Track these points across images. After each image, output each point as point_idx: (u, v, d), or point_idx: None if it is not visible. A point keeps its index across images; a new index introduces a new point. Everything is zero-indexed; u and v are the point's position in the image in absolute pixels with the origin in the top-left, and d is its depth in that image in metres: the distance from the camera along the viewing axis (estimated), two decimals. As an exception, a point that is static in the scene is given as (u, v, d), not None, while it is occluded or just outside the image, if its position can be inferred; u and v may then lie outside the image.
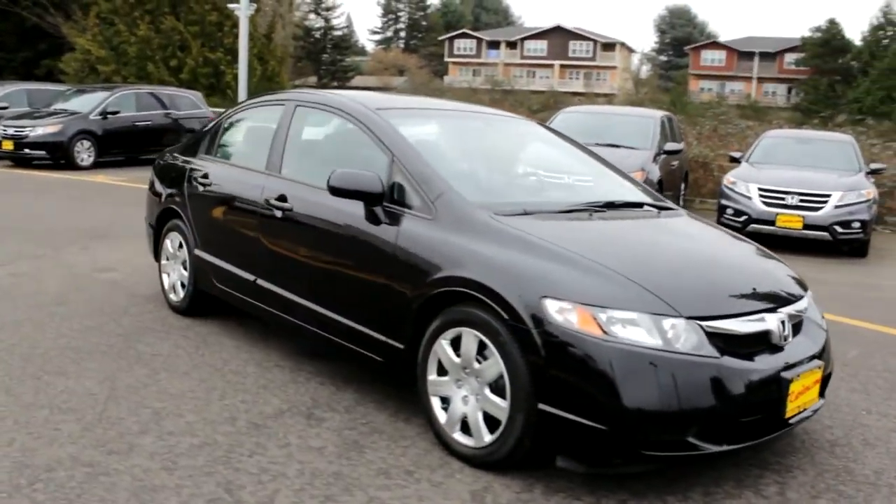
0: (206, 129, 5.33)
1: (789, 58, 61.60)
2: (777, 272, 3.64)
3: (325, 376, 4.13)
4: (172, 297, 5.21)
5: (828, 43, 55.12)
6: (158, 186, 5.47)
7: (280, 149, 4.34)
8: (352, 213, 3.69)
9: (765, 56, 64.01)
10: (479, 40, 70.96)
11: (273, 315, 4.29)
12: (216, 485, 2.91)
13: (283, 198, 4.12)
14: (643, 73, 73.74)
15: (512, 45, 69.75)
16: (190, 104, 16.53)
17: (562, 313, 2.90)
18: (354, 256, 3.68)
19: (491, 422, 3.14)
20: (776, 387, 3.06)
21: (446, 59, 71.31)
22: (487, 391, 3.13)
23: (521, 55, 69.49)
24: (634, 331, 2.88)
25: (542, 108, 42.50)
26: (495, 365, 3.07)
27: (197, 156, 5.11)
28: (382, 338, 3.54)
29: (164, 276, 5.33)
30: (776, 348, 3.15)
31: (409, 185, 3.55)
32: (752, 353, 3.06)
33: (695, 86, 65.02)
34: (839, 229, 9.52)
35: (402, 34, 79.17)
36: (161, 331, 4.78)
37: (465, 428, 3.24)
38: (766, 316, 3.19)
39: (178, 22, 22.46)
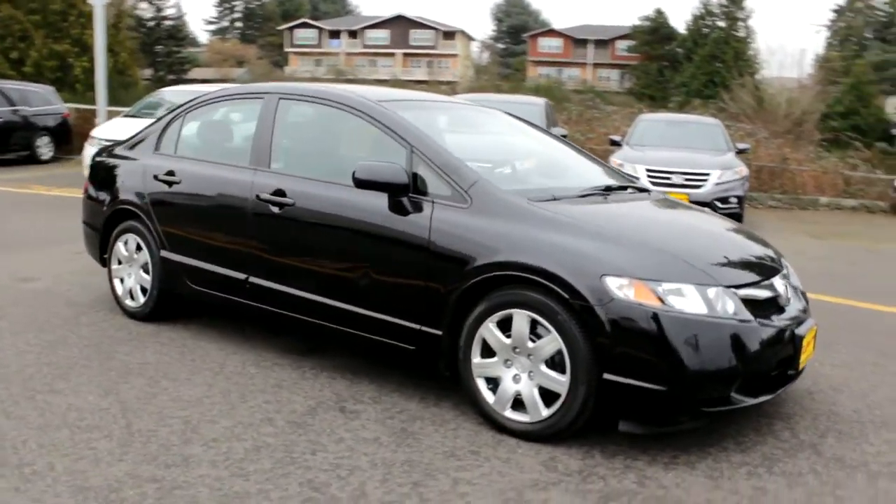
0: (152, 126, 5.05)
1: (621, 45, 65.20)
2: (763, 242, 3.99)
3: (330, 371, 4.08)
4: (129, 302, 4.91)
5: (656, 31, 58.89)
6: (101, 188, 5.13)
7: (266, 143, 4.21)
8: (372, 204, 3.67)
9: (599, 43, 67.40)
10: (320, 30, 69.95)
11: (268, 312, 4.17)
12: (299, 485, 2.85)
13: (279, 192, 4.01)
14: (483, 61, 75.51)
15: (353, 34, 69.29)
16: (42, 100, 15.31)
17: (621, 289, 3.08)
18: (379, 248, 3.66)
19: (546, 396, 3.25)
20: (793, 342, 3.39)
21: (287, 49, 69.75)
22: (544, 367, 3.24)
23: (363, 44, 69.20)
24: (685, 300, 3.10)
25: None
26: (553, 342, 3.19)
27: (153, 153, 4.82)
28: (416, 326, 3.56)
29: (117, 282, 5.01)
30: (781, 309, 3.47)
31: (435, 174, 3.58)
32: (770, 315, 3.36)
33: (533, 72, 67.48)
34: (719, 205, 10.32)
35: (239, 24, 76.56)
36: (130, 339, 4.51)
37: (516, 405, 3.34)
38: (774, 281, 3.52)
39: (15, 10, 20.59)
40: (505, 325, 3.33)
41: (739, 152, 11.57)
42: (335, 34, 69.32)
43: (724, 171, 10.51)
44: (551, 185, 3.93)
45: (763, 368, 3.27)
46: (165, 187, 4.62)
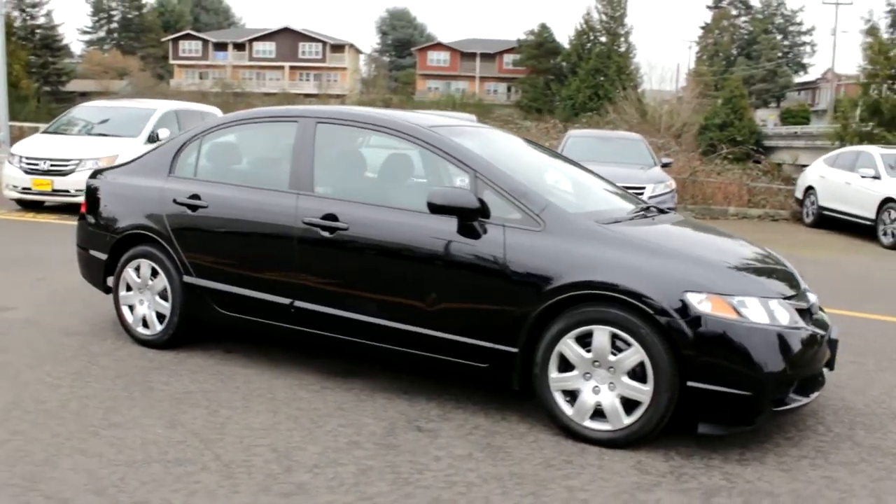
0: (157, 149, 4.93)
1: (508, 58, 66.98)
2: (778, 257, 4.34)
3: (382, 391, 4.12)
4: (143, 330, 4.76)
5: (541, 45, 60.82)
6: (104, 212, 4.95)
7: (307, 167, 4.21)
8: (437, 229, 3.76)
9: (485, 57, 68.92)
10: (206, 42, 68.07)
11: (315, 336, 4.17)
12: (430, 502, 2.91)
13: (331, 217, 4.03)
14: (370, 74, 75.69)
15: (240, 46, 67.83)
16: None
17: (701, 304, 3.33)
18: (449, 270, 3.75)
19: (627, 405, 3.45)
20: (832, 346, 3.73)
21: (171, 61, 67.49)
22: (626, 378, 3.44)
23: (250, 57, 67.88)
24: (753, 312, 3.38)
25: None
26: (635, 354, 3.39)
27: (168, 177, 4.71)
28: (489, 345, 3.67)
29: (126, 309, 4.84)
30: (812, 316, 3.82)
31: (503, 199, 3.72)
32: (811, 323, 3.69)
33: (422, 85, 68.31)
34: (654, 215, 10.85)
35: (116, 34, 73.40)
36: (157, 368, 4.38)
37: (594, 415, 3.52)
38: (807, 292, 3.87)
39: None
40: (582, 340, 3.50)
41: (664, 166, 12.23)
42: (221, 46, 67.65)
43: (656, 184, 11.09)
44: (601, 209, 4.12)
45: (814, 370, 3.59)
46: (188, 211, 4.53)
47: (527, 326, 3.58)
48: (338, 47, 68.45)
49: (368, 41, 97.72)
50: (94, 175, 5.23)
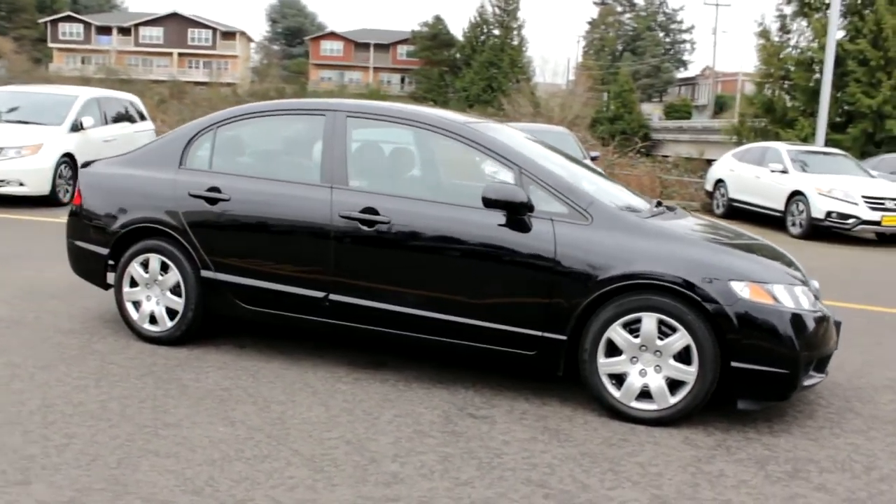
0: (170, 140, 4.80)
1: (402, 49, 67.01)
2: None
3: (420, 382, 4.20)
4: (150, 326, 4.64)
5: (435, 37, 61.17)
6: (104, 205, 4.77)
7: (341, 160, 4.23)
8: (487, 222, 3.89)
9: (379, 47, 68.66)
10: (88, 25, 64.51)
11: (350, 329, 4.21)
12: (524, 484, 3.06)
13: (370, 210, 4.07)
14: (261, 62, 73.93)
15: (125, 31, 64.71)
16: None
17: (742, 291, 3.61)
18: (499, 262, 3.88)
19: (671, 385, 3.70)
20: (837, 328, 4.12)
21: (50, 44, 63.57)
22: (672, 361, 3.69)
23: (136, 42, 64.89)
24: (786, 297, 3.70)
25: (163, 99, 40.64)
26: (682, 339, 3.65)
27: (179, 169, 4.60)
28: (538, 333, 3.84)
29: (130, 306, 4.70)
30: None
31: (549, 194, 3.89)
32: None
33: (315, 75, 67.38)
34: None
35: (-18, 13, 68.38)
36: (179, 366, 4.29)
37: (640, 396, 3.75)
38: (812, 280, 4.24)
39: None
40: (629, 327, 3.72)
41: (593, 159, 12.68)
42: (105, 30, 64.33)
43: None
44: (625, 203, 4.32)
45: (830, 349, 3.96)
46: (206, 205, 4.45)
47: (576, 315, 3.76)
48: (229, 34, 66.49)
49: (259, 29, 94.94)
50: (86, 166, 5.04)
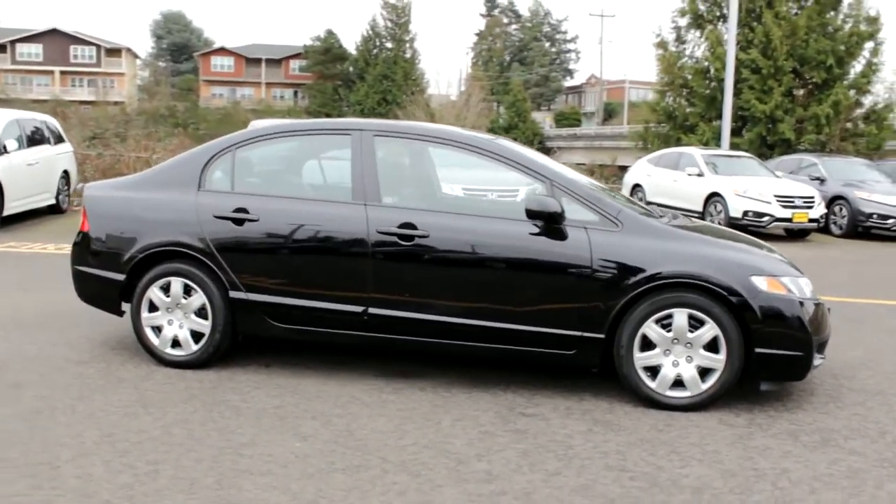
0: (185, 161, 4.80)
1: (294, 64, 66.33)
2: None
3: (458, 388, 4.39)
4: (173, 351, 4.63)
5: (328, 51, 60.86)
6: (119, 229, 4.72)
7: (372, 178, 4.38)
8: (524, 233, 4.15)
9: (271, 62, 67.72)
10: (-44, 41, 60.72)
11: (388, 341, 4.37)
12: (605, 469, 3.32)
13: (408, 225, 4.25)
14: (148, 80, 71.54)
15: (1, 48, 61.20)
16: None
17: (762, 284, 4.02)
18: (539, 270, 4.15)
19: (702, 374, 4.07)
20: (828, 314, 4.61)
21: (-86, 62, 59.41)
22: (703, 351, 4.05)
23: (13, 60, 61.41)
24: (795, 287, 4.13)
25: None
26: (710, 330, 4.02)
27: (199, 191, 4.62)
28: (578, 333, 4.12)
29: (149, 331, 4.67)
30: None
31: (580, 203, 4.19)
32: None
33: (206, 92, 65.76)
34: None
35: None
36: (217, 387, 4.31)
37: (673, 385, 4.09)
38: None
39: None
40: (661, 322, 4.06)
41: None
42: (-24, 48, 60.61)
43: (527, 186, 11.93)
44: (642, 209, 4.68)
45: (829, 333, 4.42)
46: (233, 226, 4.50)
47: (612, 315, 4.07)
48: (114, 51, 63.96)
49: (144, 45, 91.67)
50: (91, 190, 4.96)
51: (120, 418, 3.85)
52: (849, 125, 20.16)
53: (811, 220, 12.69)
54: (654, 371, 4.12)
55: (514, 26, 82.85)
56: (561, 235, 4.13)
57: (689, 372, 4.08)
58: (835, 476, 3.36)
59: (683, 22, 22.16)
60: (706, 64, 21.10)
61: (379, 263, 4.30)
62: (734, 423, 3.95)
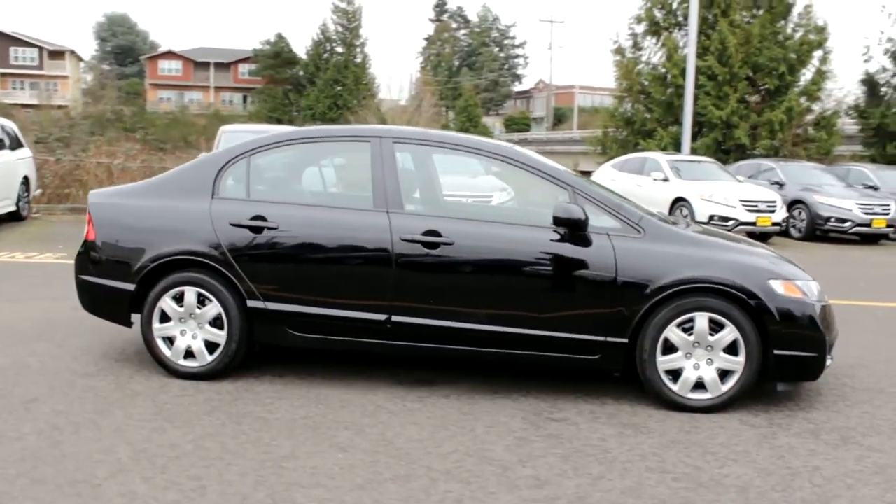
0: (196, 168, 4.74)
1: (243, 68, 65.50)
2: None
3: (481, 395, 4.42)
4: (186, 362, 4.55)
5: (278, 55, 60.26)
6: (128, 238, 4.64)
7: (393, 185, 4.39)
8: (548, 239, 4.21)
9: (220, 66, 66.77)
10: None
11: (409, 348, 4.38)
12: (648, 470, 3.39)
13: (433, 232, 4.27)
14: (91, 83, 69.75)
15: (-67, 49, 59.06)
16: None
17: (779, 288, 4.16)
18: (564, 276, 4.21)
19: (721, 376, 4.18)
20: (831, 316, 4.78)
21: None
22: (723, 354, 4.16)
23: (-51, 62, 59.42)
24: (807, 290, 4.28)
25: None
26: (731, 333, 4.14)
27: (213, 199, 4.56)
28: (602, 338, 4.20)
29: (161, 342, 4.59)
30: None
31: (602, 211, 4.28)
32: None
33: (153, 96, 64.49)
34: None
35: None
36: (238, 399, 4.25)
37: (694, 387, 4.20)
38: None
39: None
40: (682, 326, 4.17)
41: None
42: None
43: (500, 192, 12.02)
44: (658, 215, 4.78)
45: (836, 334, 4.58)
46: (251, 234, 4.45)
47: (636, 319, 4.15)
48: (57, 54, 62.22)
49: (88, 48, 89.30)
50: (96, 197, 4.86)
51: (148, 433, 3.77)
52: (800, 131, 20.83)
53: (774, 224, 13.08)
54: (675, 374, 4.22)
55: (462, 31, 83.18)
56: (585, 242, 4.20)
57: (709, 374, 4.19)
58: (864, 472, 3.49)
59: (640, 29, 22.63)
60: (663, 70, 21.56)
61: (403, 271, 4.31)
62: (755, 424, 4.07)
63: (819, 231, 13.87)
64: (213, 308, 4.50)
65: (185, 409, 4.11)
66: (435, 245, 4.27)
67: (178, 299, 4.54)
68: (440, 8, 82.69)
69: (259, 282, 4.45)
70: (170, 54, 67.50)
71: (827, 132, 20.67)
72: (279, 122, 53.89)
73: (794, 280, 4.26)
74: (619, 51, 22.69)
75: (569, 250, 4.21)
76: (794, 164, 16.12)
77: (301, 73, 61.25)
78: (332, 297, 4.40)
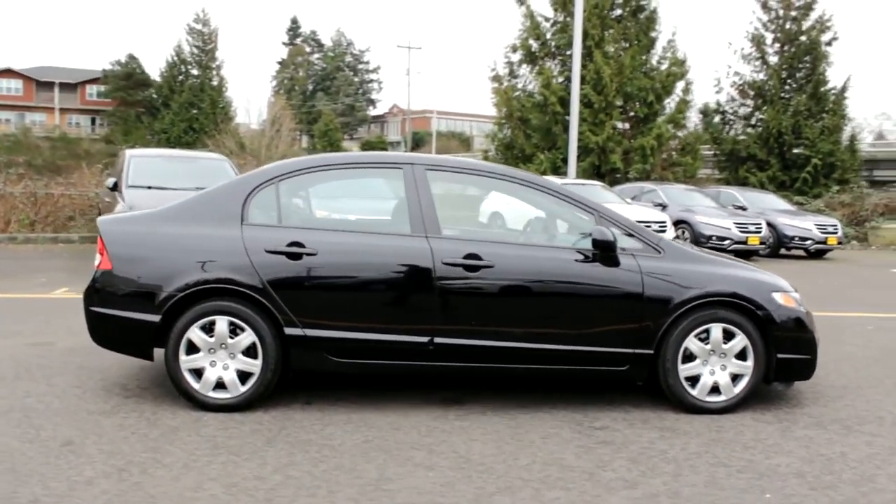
0: (223, 194, 4.69)
1: (91, 89, 62.02)
2: None
3: (514, 410, 4.68)
4: (216, 394, 4.48)
5: (130, 76, 57.66)
6: (151, 267, 4.51)
7: (430, 211, 4.57)
8: (579, 260, 4.55)
9: (65, 87, 62.80)
10: None
11: (450, 368, 4.57)
12: (721, 466, 3.77)
13: (473, 256, 4.49)
14: None
15: None
16: None
17: (780, 299, 4.72)
18: (596, 293, 4.55)
19: (733, 379, 4.68)
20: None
21: None
22: (735, 360, 4.66)
23: None
24: (798, 300, 4.87)
25: None
26: (741, 341, 4.65)
27: (243, 225, 4.54)
28: (630, 350, 4.58)
29: (188, 375, 4.50)
30: None
31: (625, 233, 4.67)
32: None
33: (-12, 116, 59.78)
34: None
35: None
36: (287, 428, 4.23)
37: (710, 391, 4.66)
38: None
39: None
40: (699, 336, 4.63)
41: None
42: None
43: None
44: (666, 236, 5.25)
45: (819, 338, 5.18)
46: (288, 260, 4.48)
47: (661, 331, 4.56)
48: None
49: None
50: (109, 225, 4.69)
51: (221, 467, 3.72)
52: (666, 156, 22.53)
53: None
54: (693, 380, 4.66)
55: (316, 55, 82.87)
56: (615, 262, 4.57)
57: (724, 379, 4.67)
58: (882, 454, 4.06)
59: (516, 58, 23.70)
60: (541, 98, 22.67)
61: (445, 294, 4.49)
62: (768, 420, 4.58)
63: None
64: (248, 337, 4.48)
65: (242, 441, 4.07)
66: (476, 268, 4.50)
67: (208, 329, 4.48)
68: (293, 31, 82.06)
69: (298, 309, 4.47)
70: (9, 72, 62.70)
71: (692, 157, 22.52)
72: (134, 146, 51.36)
73: (790, 292, 4.83)
74: (497, 78, 23.65)
75: (601, 270, 4.57)
76: (674, 187, 17.46)
77: (155, 95, 58.82)
78: (376, 321, 4.51)
